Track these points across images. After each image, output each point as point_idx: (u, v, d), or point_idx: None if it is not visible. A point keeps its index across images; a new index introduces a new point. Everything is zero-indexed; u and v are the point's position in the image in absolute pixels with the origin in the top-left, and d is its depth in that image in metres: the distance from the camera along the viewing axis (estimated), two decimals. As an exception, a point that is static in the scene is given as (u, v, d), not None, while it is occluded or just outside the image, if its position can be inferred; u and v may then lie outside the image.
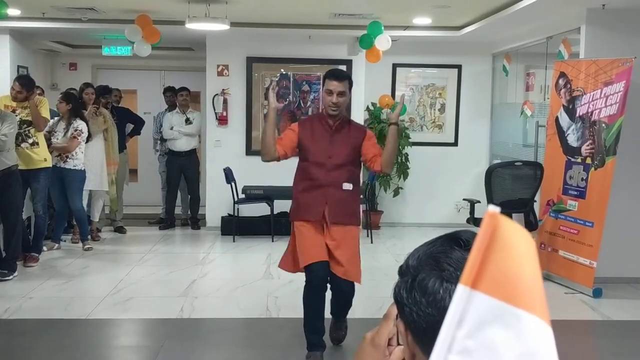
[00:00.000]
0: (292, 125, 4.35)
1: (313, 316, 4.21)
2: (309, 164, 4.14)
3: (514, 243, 0.62)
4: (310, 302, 4.21)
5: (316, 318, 4.21)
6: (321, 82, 4.34)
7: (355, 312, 4.81)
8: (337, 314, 4.46)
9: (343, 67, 8.28)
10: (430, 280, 1.01)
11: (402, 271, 1.09)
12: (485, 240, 0.61)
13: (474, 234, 1.11)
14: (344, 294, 4.25)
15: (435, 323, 1.00)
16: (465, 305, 0.62)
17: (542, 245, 6.21)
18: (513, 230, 0.62)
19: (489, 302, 0.62)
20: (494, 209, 0.60)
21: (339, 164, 4.08)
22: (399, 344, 1.23)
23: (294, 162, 8.14)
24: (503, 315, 0.62)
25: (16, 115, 6.06)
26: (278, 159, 4.23)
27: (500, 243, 0.61)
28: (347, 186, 4.13)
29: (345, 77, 4.12)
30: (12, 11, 6.89)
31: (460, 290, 0.61)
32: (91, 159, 7.27)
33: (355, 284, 4.23)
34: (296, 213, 4.20)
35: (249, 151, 8.38)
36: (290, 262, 4.33)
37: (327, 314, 4.43)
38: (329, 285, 4.25)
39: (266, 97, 4.20)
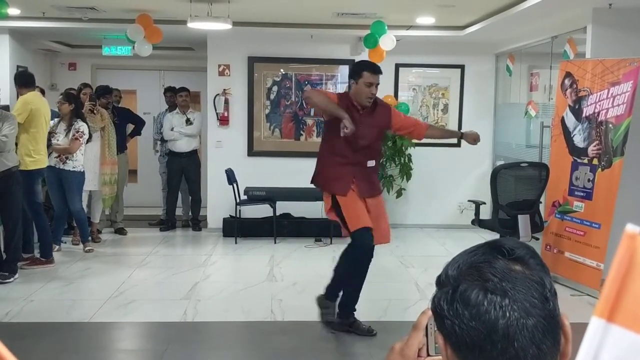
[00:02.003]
0: (332, 94, 4.69)
1: (360, 277, 4.50)
2: (339, 141, 4.37)
3: None
4: (363, 263, 4.46)
5: (362, 279, 4.51)
6: (350, 71, 4.66)
7: (360, 314, 4.76)
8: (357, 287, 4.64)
9: (345, 67, 8.24)
10: (474, 292, 0.95)
11: (441, 281, 1.03)
12: (623, 267, 0.53)
13: (516, 243, 1.05)
14: (372, 255, 4.56)
15: (480, 337, 0.95)
16: (601, 340, 0.55)
17: (548, 247, 6.16)
18: None
19: (628, 336, 0.54)
20: (634, 228, 0.53)
21: (365, 145, 4.44)
22: (429, 355, 1.18)
23: (295, 163, 8.12)
24: None
25: None
26: None
27: None
28: (371, 163, 4.53)
29: (381, 71, 4.50)
30: (12, 10, 6.82)
31: (595, 324, 0.54)
32: (90, 159, 7.20)
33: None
34: (326, 185, 4.55)
35: (251, 152, 8.32)
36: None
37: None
38: None
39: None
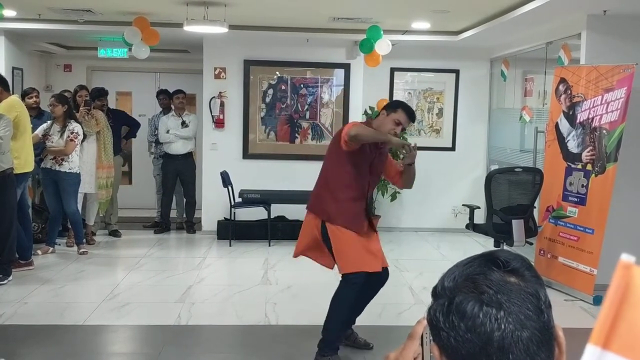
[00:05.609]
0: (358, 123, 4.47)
1: (350, 313, 4.38)
2: (357, 175, 4.18)
3: None
4: (353, 300, 4.26)
5: (353, 314, 4.45)
6: (389, 111, 4.17)
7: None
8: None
9: (341, 71, 8.27)
10: (469, 304, 0.96)
11: (437, 293, 1.04)
12: (618, 295, 0.54)
13: (511, 255, 1.06)
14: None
15: (475, 349, 0.96)
16: None
17: (541, 252, 6.19)
18: None
19: None
20: (628, 258, 0.54)
21: (374, 181, 4.35)
22: (424, 364, 1.19)
23: (290, 166, 8.13)
24: None
25: None
26: None
27: (635, 298, 0.55)
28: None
29: (414, 119, 4.34)
30: (8, 12, 6.81)
31: (590, 351, 0.56)
32: (85, 161, 7.20)
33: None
34: (341, 219, 4.16)
35: (246, 154, 8.32)
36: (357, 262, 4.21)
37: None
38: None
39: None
